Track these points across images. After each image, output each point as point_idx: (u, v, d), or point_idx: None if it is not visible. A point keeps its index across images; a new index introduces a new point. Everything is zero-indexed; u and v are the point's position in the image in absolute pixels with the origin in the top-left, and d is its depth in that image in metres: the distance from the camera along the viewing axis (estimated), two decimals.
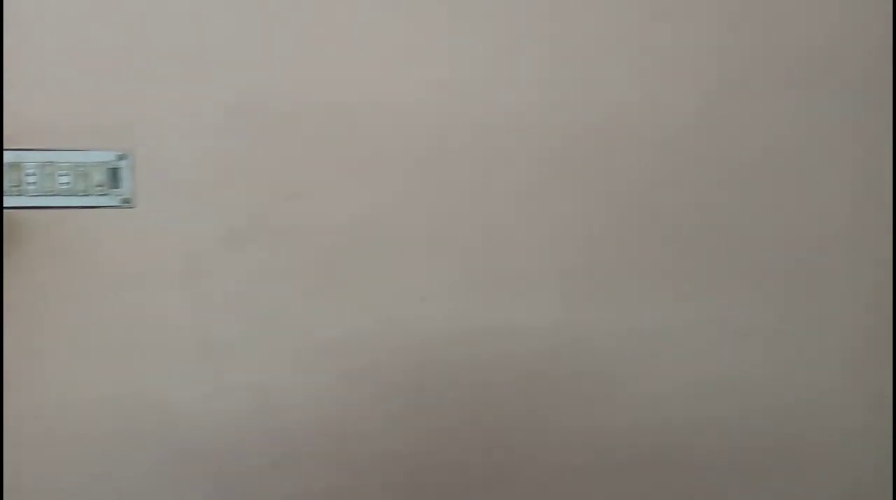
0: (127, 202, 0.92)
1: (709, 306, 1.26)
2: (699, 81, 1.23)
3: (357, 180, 1.01)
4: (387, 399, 1.06)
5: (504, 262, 1.11)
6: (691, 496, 1.32)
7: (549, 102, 1.12)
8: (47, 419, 0.96)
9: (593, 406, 1.22)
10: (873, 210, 1.34)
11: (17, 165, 0.86)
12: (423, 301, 1.05)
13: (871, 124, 1.32)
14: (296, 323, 1.00)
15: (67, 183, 0.88)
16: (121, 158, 0.91)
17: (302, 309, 0.99)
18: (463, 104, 1.07)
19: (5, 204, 0.85)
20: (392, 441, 1.07)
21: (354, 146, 1.00)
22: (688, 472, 1.32)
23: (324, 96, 0.99)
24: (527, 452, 1.19)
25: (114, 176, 0.91)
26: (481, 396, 1.14)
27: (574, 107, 1.14)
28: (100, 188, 0.90)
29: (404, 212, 1.03)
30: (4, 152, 0.85)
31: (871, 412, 1.39)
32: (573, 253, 1.17)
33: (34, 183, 0.87)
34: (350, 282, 1.01)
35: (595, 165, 1.16)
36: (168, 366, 0.98)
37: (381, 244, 1.02)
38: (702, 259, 1.25)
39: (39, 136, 0.88)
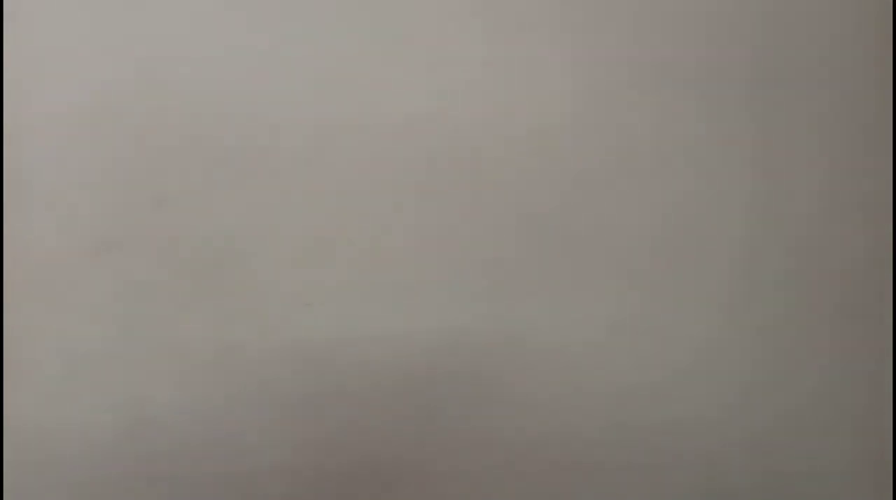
0: None
1: (592, 307, 1.25)
2: (573, 82, 1.23)
3: (231, 185, 0.97)
4: (271, 411, 1.02)
5: (389, 266, 1.08)
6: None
7: (428, 105, 1.09)
8: None
9: (482, 411, 1.19)
10: (748, 209, 1.37)
11: None
12: (308, 307, 1.01)
13: (746, 126, 1.34)
14: (170, 335, 0.96)
15: None
16: None
17: (176, 320, 0.96)
18: (341, 104, 1.04)
19: None
20: (278, 453, 1.03)
21: (227, 150, 0.97)
22: (583, 477, 1.31)
23: (192, 99, 0.96)
24: (416, 458, 1.16)
25: None
26: (370, 403, 1.10)
27: (452, 110, 1.11)
28: None
29: (283, 216, 0.99)
30: None
31: (779, 418, 1.42)
32: (457, 257, 1.16)
33: None
34: (228, 290, 0.97)
35: (475, 169, 1.14)
36: (32, 384, 0.94)
37: (260, 250, 0.99)
38: (583, 260, 1.23)
39: None
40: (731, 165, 1.42)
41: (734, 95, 1.41)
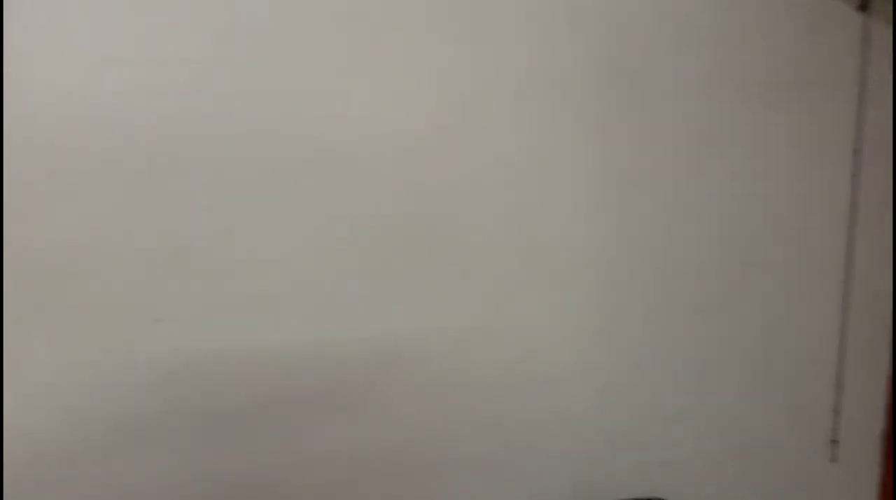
0: None
1: (447, 313, 1.27)
2: (436, 90, 1.25)
3: (70, 197, 0.93)
4: (120, 431, 0.96)
5: (241, 280, 1.05)
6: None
7: (279, 115, 1.08)
8: None
9: (339, 421, 1.18)
10: (604, 215, 1.45)
11: None
12: (157, 323, 0.96)
13: (600, 135, 1.43)
14: (7, 356, 0.89)
15: None
16: None
17: (13, 340, 0.89)
18: (190, 114, 1.01)
19: None
20: (126, 474, 0.98)
21: (67, 157, 0.93)
22: (451, 477, 1.32)
23: (25, 108, 0.91)
24: (275, 471, 1.12)
25: None
26: (223, 418, 1.07)
27: (307, 121, 1.11)
28: None
29: (126, 229, 0.96)
30: None
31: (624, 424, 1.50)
32: (310, 270, 1.14)
33: None
34: (70, 306, 0.92)
35: (331, 180, 1.14)
36: None
37: (105, 265, 0.94)
38: (438, 268, 1.25)
39: None
40: (584, 173, 1.45)
41: (586, 107, 1.46)
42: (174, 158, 0.99)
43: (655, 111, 1.50)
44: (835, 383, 1.76)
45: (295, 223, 1.08)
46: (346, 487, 1.16)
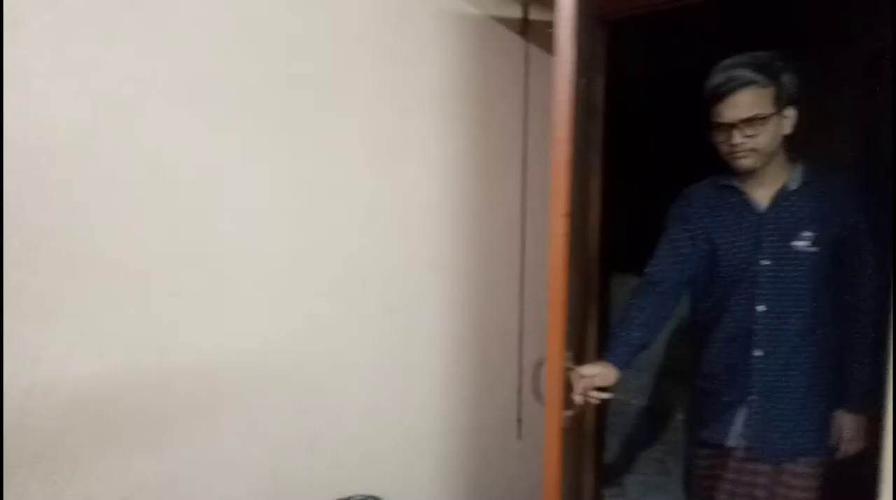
0: None
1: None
2: (75, 99, 1.16)
3: None
4: None
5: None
6: None
7: None
8: None
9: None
10: (291, 224, 1.47)
11: None
12: None
13: (281, 144, 1.44)
14: None
15: None
16: None
17: None
18: None
19: None
20: None
21: None
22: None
23: None
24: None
25: None
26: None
27: None
28: None
29: None
30: None
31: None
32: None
33: None
34: None
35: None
36: None
37: None
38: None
39: None
40: (267, 184, 1.40)
41: (265, 119, 1.39)
42: None
43: (338, 123, 1.53)
44: (517, 366, 1.97)
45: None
46: None
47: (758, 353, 1.53)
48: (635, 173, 3.17)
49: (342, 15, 1.52)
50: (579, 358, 1.56)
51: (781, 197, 1.50)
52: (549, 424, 1.28)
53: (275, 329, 1.45)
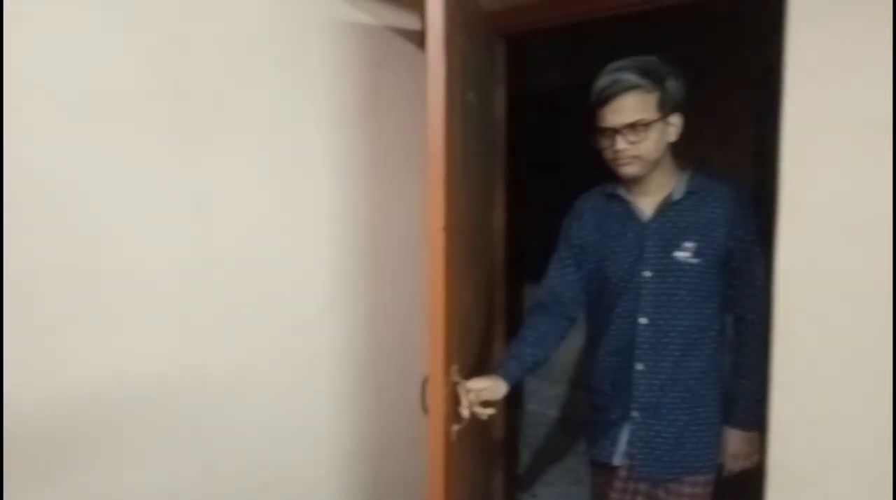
0: None
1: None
2: None
3: None
4: None
5: None
6: None
7: None
8: None
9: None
10: (187, 237, 1.44)
11: None
12: None
13: (174, 158, 1.41)
14: None
15: None
16: None
17: None
18: None
19: None
20: None
21: None
22: None
23: None
24: None
25: None
26: None
27: None
28: None
29: None
30: None
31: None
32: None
33: None
34: None
35: None
36: None
37: None
38: None
39: None
40: (159, 197, 1.36)
41: (152, 132, 1.36)
42: None
43: (233, 134, 1.49)
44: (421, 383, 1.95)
45: None
46: None
47: (640, 367, 1.48)
48: (548, 184, 3.24)
49: (235, 23, 1.49)
50: (483, 371, 1.55)
51: (666, 206, 1.46)
52: (433, 438, 1.27)
53: (168, 351, 1.41)
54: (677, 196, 1.45)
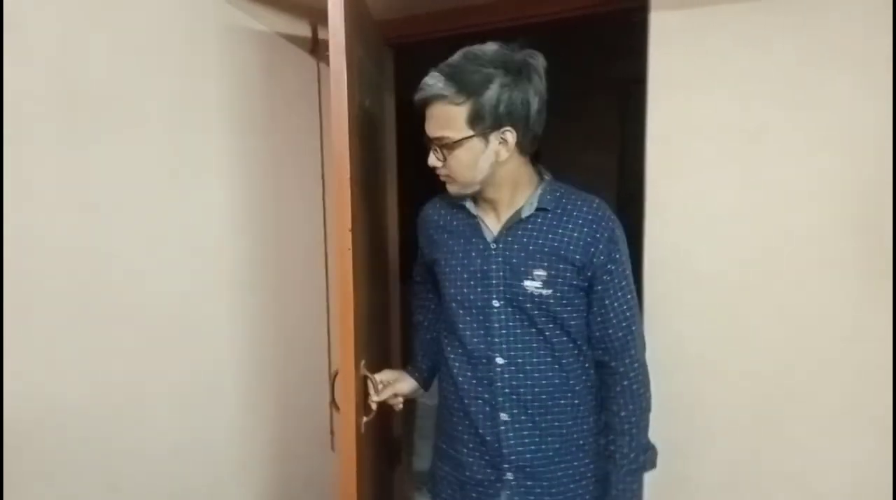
0: None
1: None
2: None
3: None
4: None
5: None
6: None
7: None
8: None
9: None
10: (73, 244, 1.41)
11: None
12: None
13: (66, 162, 1.38)
14: None
15: None
16: None
17: None
18: None
19: None
20: None
21: None
22: None
23: None
24: None
25: None
26: None
27: None
28: None
29: None
30: None
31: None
32: None
33: None
34: None
35: None
36: None
37: None
38: None
39: None
40: (51, 201, 1.35)
41: (47, 136, 1.35)
42: None
43: (124, 139, 1.46)
44: (329, 380, 1.99)
45: None
46: None
47: (504, 417, 1.24)
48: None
49: (130, 29, 1.47)
50: (385, 365, 1.61)
51: (513, 225, 1.23)
52: (345, 430, 1.31)
53: (62, 363, 1.35)
54: (526, 213, 1.22)
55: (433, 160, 1.21)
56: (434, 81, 1.14)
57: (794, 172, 1.28)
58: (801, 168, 1.28)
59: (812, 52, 1.24)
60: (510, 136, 1.17)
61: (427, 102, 1.17)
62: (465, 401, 1.28)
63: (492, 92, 1.13)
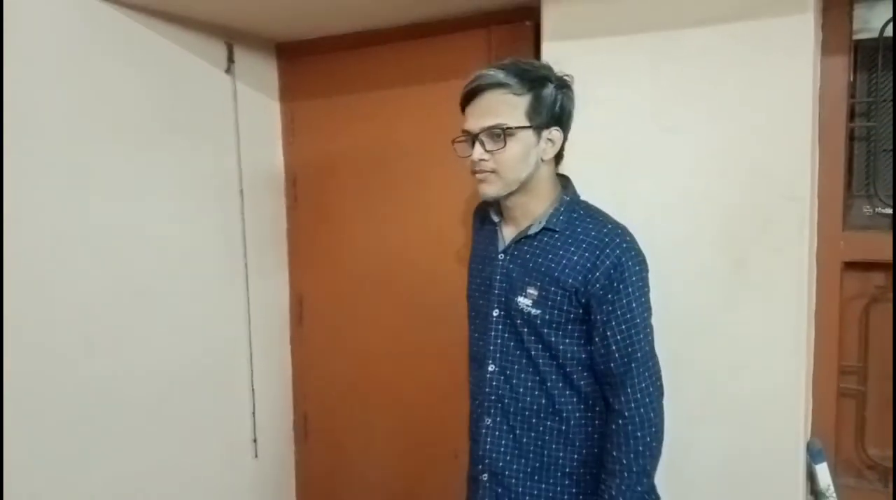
0: None
1: None
2: None
3: None
4: None
5: None
6: None
7: None
8: None
9: None
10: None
11: None
12: None
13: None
14: None
15: None
16: None
17: None
18: None
19: None
20: None
21: None
22: None
23: None
24: None
25: None
26: None
27: None
28: None
29: None
30: None
31: None
32: None
33: None
34: None
35: None
36: None
37: None
38: None
39: None
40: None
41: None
42: None
43: (24, 153, 1.41)
44: (249, 388, 2.02)
45: None
46: None
47: (487, 421, 1.27)
48: None
49: (36, 41, 1.43)
50: None
51: (520, 240, 1.24)
52: None
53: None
54: (534, 231, 1.22)
55: (480, 152, 1.17)
56: (494, 72, 1.16)
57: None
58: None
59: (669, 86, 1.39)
60: (557, 135, 1.20)
61: (481, 91, 1.17)
62: (471, 399, 1.35)
63: (549, 90, 1.18)
